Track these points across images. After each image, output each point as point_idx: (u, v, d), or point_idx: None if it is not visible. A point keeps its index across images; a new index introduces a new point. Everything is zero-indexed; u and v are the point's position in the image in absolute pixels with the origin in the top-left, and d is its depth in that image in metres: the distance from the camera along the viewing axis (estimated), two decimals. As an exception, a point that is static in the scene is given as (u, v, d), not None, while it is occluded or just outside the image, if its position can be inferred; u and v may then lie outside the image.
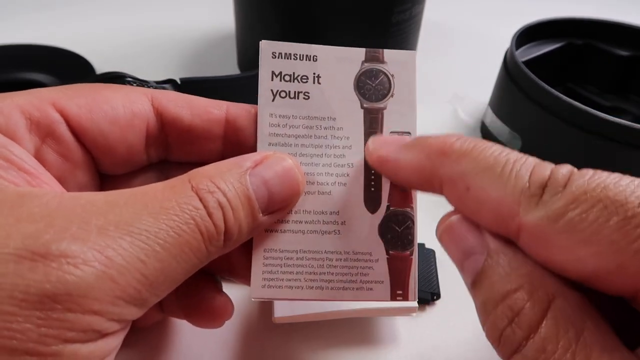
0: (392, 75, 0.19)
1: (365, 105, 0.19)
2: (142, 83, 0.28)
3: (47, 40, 0.44)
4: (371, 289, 0.19)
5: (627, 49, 0.39)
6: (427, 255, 0.28)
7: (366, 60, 0.20)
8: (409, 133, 0.19)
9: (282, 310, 0.23)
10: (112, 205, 0.15)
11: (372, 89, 0.19)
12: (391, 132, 0.19)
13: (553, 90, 0.31)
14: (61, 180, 0.18)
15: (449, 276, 0.27)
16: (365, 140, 0.19)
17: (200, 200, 0.15)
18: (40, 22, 0.53)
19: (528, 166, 0.14)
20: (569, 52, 0.40)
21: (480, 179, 0.15)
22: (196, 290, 0.21)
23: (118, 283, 0.14)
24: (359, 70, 0.19)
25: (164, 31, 0.53)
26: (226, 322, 0.24)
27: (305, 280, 0.18)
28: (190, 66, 0.48)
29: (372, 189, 0.19)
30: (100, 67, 0.42)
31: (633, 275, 0.12)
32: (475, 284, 0.15)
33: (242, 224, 0.16)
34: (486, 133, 0.39)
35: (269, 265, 0.18)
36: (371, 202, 0.19)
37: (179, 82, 0.31)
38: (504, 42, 0.38)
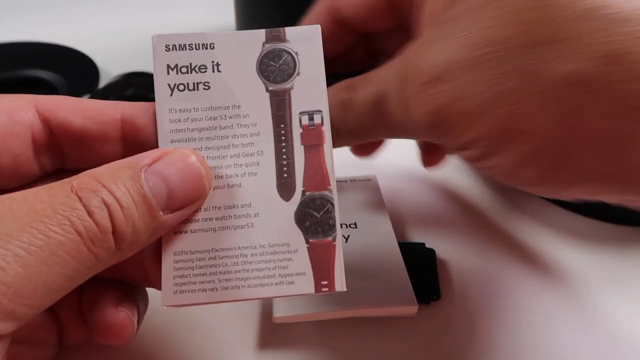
0: (297, 53, 0.19)
1: (270, 88, 0.18)
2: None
3: (51, 39, 0.44)
4: (292, 282, 0.18)
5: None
6: (427, 255, 0.27)
7: (267, 41, 0.19)
8: (320, 111, 0.18)
9: (282, 310, 0.23)
10: None
11: (277, 70, 0.18)
12: (301, 113, 0.18)
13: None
14: None
15: (449, 276, 0.27)
16: (274, 125, 0.18)
17: (81, 200, 0.14)
18: (43, 21, 0.53)
19: None
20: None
21: None
22: (94, 304, 0.19)
23: None
24: (261, 52, 0.18)
25: (165, 31, 0.53)
26: (226, 321, 0.24)
27: (220, 281, 0.17)
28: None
29: (285, 175, 0.18)
30: (102, 65, 0.43)
31: None
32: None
33: (136, 224, 0.15)
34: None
35: (180, 269, 0.17)
36: (285, 189, 0.18)
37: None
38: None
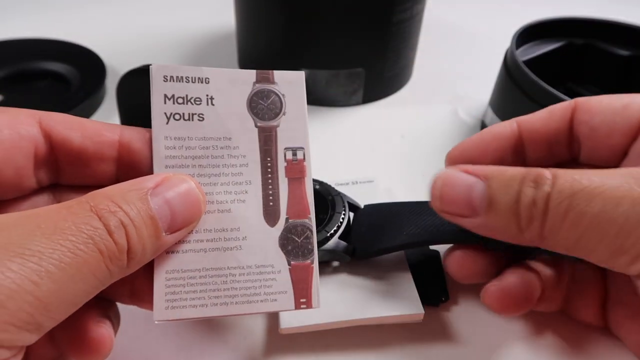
0: (283, 95, 0.20)
1: (259, 124, 0.20)
2: None
3: (60, 36, 0.46)
4: (275, 299, 0.19)
5: (627, 48, 0.39)
6: (433, 257, 0.27)
7: (257, 82, 0.20)
8: (302, 148, 0.20)
9: (289, 321, 0.23)
10: (0, 228, 0.14)
11: (265, 108, 0.20)
12: (285, 148, 0.20)
13: (553, 90, 0.31)
14: None
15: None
16: (261, 157, 0.20)
17: (100, 219, 0.15)
18: (46, 21, 0.54)
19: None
20: (569, 51, 0.40)
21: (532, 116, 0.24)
22: (71, 319, 0.19)
23: (7, 308, 0.13)
24: (251, 91, 0.20)
25: (165, 30, 0.54)
26: (233, 334, 0.25)
27: (210, 298, 0.19)
28: (191, 64, 0.48)
29: (271, 203, 0.20)
30: (108, 62, 0.44)
31: None
32: (490, 205, 0.18)
33: (145, 244, 0.16)
34: (487, 132, 0.39)
35: (172, 286, 0.18)
36: (270, 215, 0.20)
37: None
38: (504, 41, 0.38)
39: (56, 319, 0.15)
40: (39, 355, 0.19)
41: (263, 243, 0.19)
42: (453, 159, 0.24)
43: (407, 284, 0.25)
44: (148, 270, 0.18)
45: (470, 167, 0.20)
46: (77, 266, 0.14)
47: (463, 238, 0.23)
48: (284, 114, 0.20)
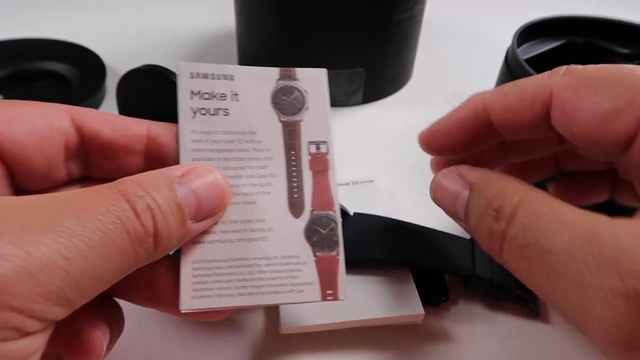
0: (305, 91, 0.21)
1: (282, 119, 0.20)
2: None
3: (60, 36, 0.46)
4: (302, 290, 0.19)
5: (628, 47, 0.39)
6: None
7: (280, 78, 0.21)
8: (325, 142, 0.21)
9: (289, 321, 0.23)
10: (33, 206, 0.14)
11: (288, 103, 0.21)
12: (309, 142, 0.20)
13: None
14: None
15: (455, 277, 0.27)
16: (285, 151, 0.20)
17: (128, 202, 0.15)
18: (46, 21, 0.54)
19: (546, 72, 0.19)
20: (570, 50, 0.40)
21: (514, 84, 0.20)
22: (69, 318, 0.19)
23: (38, 279, 0.13)
24: (275, 87, 0.21)
25: (165, 30, 0.54)
26: (233, 333, 0.24)
27: (236, 288, 0.19)
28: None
29: (295, 195, 0.20)
30: (108, 62, 0.44)
31: (637, 108, 0.16)
32: (466, 212, 0.18)
33: (172, 229, 0.17)
34: (487, 132, 0.39)
35: (198, 276, 0.18)
36: (295, 207, 0.20)
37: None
38: (504, 41, 0.38)
39: (84, 296, 0.15)
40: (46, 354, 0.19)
41: (288, 234, 0.19)
42: (425, 143, 0.23)
43: (407, 284, 0.25)
44: (169, 270, 0.19)
45: (464, 170, 0.20)
46: (105, 245, 0.15)
47: (446, 268, 0.25)
48: (306, 109, 0.21)
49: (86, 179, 0.21)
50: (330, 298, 0.19)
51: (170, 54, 0.50)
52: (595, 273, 0.14)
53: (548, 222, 0.16)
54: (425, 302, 0.24)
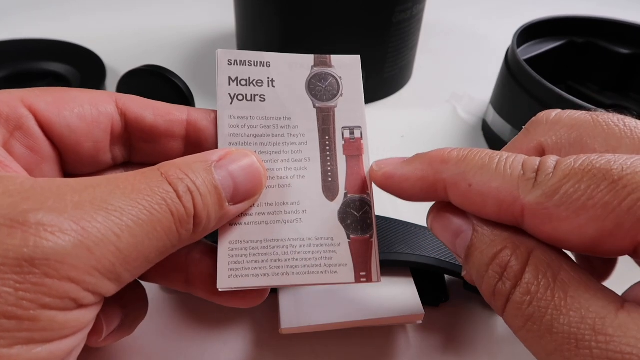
0: (340, 77, 0.21)
1: (317, 105, 0.21)
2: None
3: (60, 37, 0.46)
4: (335, 272, 0.19)
5: (627, 47, 0.39)
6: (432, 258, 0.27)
7: (315, 65, 0.21)
8: (360, 127, 0.21)
9: (289, 321, 0.23)
10: (85, 186, 0.15)
11: (323, 90, 0.21)
12: (343, 127, 0.21)
13: (555, 88, 0.31)
14: (28, 172, 0.18)
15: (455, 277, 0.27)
16: (320, 136, 0.21)
17: (170, 184, 0.16)
18: (46, 21, 0.54)
19: (519, 159, 0.16)
20: (570, 50, 0.40)
21: (480, 175, 0.16)
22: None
23: (94, 253, 0.14)
24: (310, 74, 0.21)
25: (165, 30, 0.54)
26: (233, 333, 0.24)
27: (271, 268, 0.19)
28: (191, 65, 0.48)
29: (330, 179, 0.20)
30: (108, 62, 0.44)
31: (630, 230, 0.13)
32: (467, 257, 0.17)
33: (210, 211, 0.17)
34: (488, 131, 0.39)
35: (235, 256, 0.19)
36: (329, 190, 0.20)
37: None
38: (504, 41, 0.38)
39: (132, 272, 0.15)
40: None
41: (323, 216, 0.20)
42: (379, 182, 0.20)
43: (407, 284, 0.25)
44: (204, 254, 0.20)
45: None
46: (152, 224, 0.15)
47: (446, 269, 0.24)
48: (341, 95, 0.21)
49: (128, 164, 0.22)
50: (364, 280, 0.19)
51: (170, 54, 0.50)
52: None
53: (554, 297, 0.14)
54: (425, 302, 0.24)
